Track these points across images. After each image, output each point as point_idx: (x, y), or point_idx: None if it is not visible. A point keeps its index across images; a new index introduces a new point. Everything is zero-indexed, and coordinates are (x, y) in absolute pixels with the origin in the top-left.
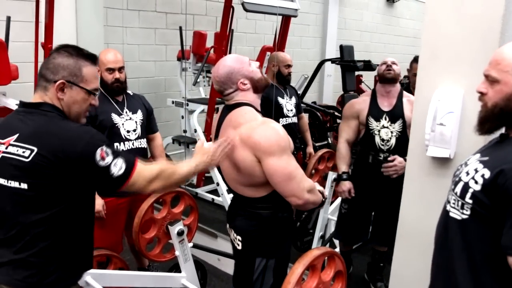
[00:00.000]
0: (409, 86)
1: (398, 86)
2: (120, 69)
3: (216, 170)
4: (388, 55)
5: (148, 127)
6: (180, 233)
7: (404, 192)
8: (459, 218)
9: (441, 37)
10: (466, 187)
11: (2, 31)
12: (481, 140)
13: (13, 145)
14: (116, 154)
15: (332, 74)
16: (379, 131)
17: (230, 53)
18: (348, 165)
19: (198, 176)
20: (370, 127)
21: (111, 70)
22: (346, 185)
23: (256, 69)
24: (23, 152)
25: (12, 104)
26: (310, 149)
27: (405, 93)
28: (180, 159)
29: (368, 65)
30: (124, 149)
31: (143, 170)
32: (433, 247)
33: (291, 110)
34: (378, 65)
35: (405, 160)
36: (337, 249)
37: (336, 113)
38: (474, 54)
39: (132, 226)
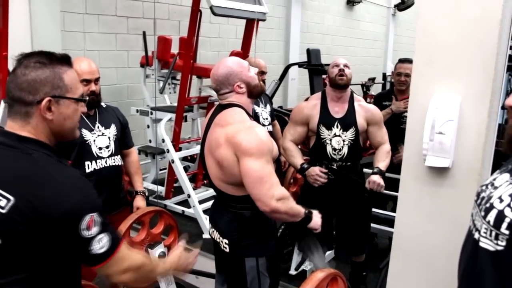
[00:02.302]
0: (392, 87)
1: (349, 90)
2: (96, 81)
3: (186, 180)
4: (349, 57)
5: (123, 142)
6: (161, 256)
7: (400, 203)
8: (492, 249)
9: (436, 43)
10: (501, 216)
11: None
12: (480, 149)
13: None
14: (105, 227)
15: (296, 77)
16: (330, 140)
17: (196, 58)
18: (302, 158)
19: (167, 187)
20: (322, 136)
21: (86, 82)
22: (314, 170)
23: (254, 75)
24: None
25: None
26: (283, 157)
27: (356, 96)
28: (147, 170)
29: None
30: (96, 168)
31: (124, 257)
32: (458, 275)
33: (267, 119)
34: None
35: (375, 173)
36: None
37: None
38: (471, 60)
39: None
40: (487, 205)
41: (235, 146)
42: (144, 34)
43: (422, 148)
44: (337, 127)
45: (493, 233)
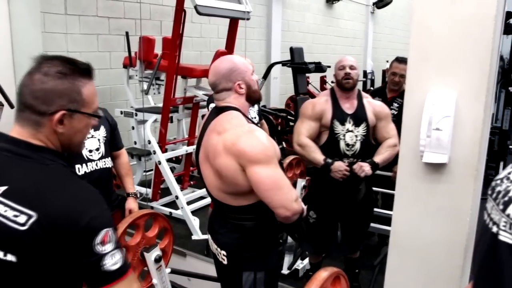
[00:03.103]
0: (385, 83)
1: (356, 88)
2: None
3: (173, 181)
4: (330, 56)
5: (112, 144)
6: (157, 260)
7: (397, 200)
8: None
9: (430, 39)
10: None
11: None
12: (476, 144)
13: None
14: (118, 245)
15: (279, 76)
16: (344, 135)
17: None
18: (322, 153)
19: (154, 189)
20: (335, 131)
21: None
22: (341, 165)
23: (255, 80)
24: (15, 216)
25: None
26: None
27: (363, 93)
28: (133, 172)
29: (319, 67)
30: (87, 171)
31: (134, 280)
32: (474, 272)
33: (255, 118)
34: (328, 66)
35: (369, 163)
36: (307, 260)
37: (289, 116)
38: (466, 56)
39: None
40: (506, 198)
41: (238, 154)
42: (127, 34)
43: (419, 145)
44: (350, 122)
45: None
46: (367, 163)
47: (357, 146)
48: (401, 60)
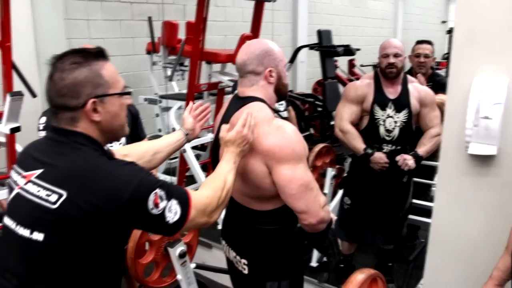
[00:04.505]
0: (410, 69)
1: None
2: None
3: (198, 169)
4: (358, 38)
5: (135, 134)
6: (181, 255)
7: (437, 195)
8: None
9: (479, 19)
10: None
11: None
12: None
13: (34, 183)
14: (170, 194)
15: (305, 60)
16: (384, 121)
17: (204, 43)
18: (363, 141)
19: (179, 177)
20: (376, 116)
21: None
22: (382, 157)
23: (287, 74)
24: (48, 195)
25: None
26: None
27: (409, 77)
28: None
29: (348, 50)
30: None
31: (200, 207)
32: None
33: (282, 104)
34: (357, 49)
35: (413, 155)
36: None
37: (316, 102)
38: None
39: None
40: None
41: (266, 154)
42: (150, 19)
43: (464, 135)
44: (391, 108)
45: None
46: (411, 156)
47: (396, 132)
48: (422, 41)
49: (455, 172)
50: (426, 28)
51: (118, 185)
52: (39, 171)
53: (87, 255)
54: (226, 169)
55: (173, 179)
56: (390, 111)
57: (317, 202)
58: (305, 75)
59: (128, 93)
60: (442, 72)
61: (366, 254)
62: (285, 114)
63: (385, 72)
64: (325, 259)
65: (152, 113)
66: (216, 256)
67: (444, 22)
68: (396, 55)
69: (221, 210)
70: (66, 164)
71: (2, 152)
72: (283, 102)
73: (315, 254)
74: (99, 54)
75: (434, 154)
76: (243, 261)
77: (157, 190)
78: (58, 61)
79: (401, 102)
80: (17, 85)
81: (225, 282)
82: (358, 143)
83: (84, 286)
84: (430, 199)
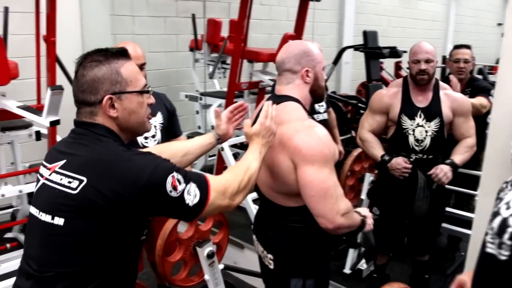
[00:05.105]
0: (447, 77)
1: (433, 79)
2: (142, 66)
3: (232, 160)
4: (407, 40)
5: (170, 131)
6: (210, 255)
7: (478, 207)
8: (497, 257)
9: None
10: (504, 224)
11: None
12: None
13: (57, 173)
14: (188, 178)
15: (350, 61)
16: (413, 130)
17: (246, 42)
18: (383, 149)
19: (216, 175)
20: (404, 126)
21: None
22: (399, 162)
23: (324, 77)
24: (69, 182)
25: (13, 106)
26: (339, 146)
27: (441, 84)
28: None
29: (393, 52)
30: None
31: (219, 189)
32: None
33: (322, 106)
34: (404, 51)
35: (448, 164)
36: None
37: (359, 104)
38: None
39: (152, 239)
40: (496, 209)
41: (293, 150)
42: (193, 16)
43: (510, 146)
44: (420, 116)
45: (497, 241)
46: (448, 166)
47: (427, 142)
48: (460, 46)
49: (499, 184)
50: (480, 30)
51: (136, 170)
52: (62, 162)
53: (105, 241)
54: (250, 157)
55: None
56: (419, 120)
57: (335, 209)
58: (350, 76)
59: (147, 92)
60: (494, 77)
61: (402, 264)
62: (325, 116)
63: (416, 79)
64: (359, 266)
65: (193, 110)
66: (248, 257)
67: (500, 24)
68: (427, 61)
69: (245, 194)
70: (86, 153)
71: (44, 143)
72: (323, 103)
73: (349, 260)
74: (120, 53)
75: (479, 163)
76: (269, 256)
77: (174, 174)
78: (83, 60)
79: (432, 111)
80: (61, 80)
81: (256, 283)
82: (376, 150)
83: (99, 273)
84: (473, 210)
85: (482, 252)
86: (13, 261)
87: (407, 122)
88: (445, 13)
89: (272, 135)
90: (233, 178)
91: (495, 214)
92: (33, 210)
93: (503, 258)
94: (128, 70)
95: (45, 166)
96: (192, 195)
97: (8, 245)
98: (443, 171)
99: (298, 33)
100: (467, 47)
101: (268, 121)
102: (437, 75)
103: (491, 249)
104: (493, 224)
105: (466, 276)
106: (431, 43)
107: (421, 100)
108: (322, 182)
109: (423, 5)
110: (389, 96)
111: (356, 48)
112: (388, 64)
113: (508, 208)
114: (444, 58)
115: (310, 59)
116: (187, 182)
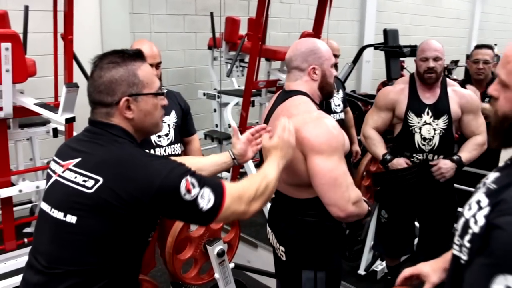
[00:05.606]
0: (468, 75)
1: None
2: (158, 65)
3: (252, 166)
4: (430, 38)
5: (184, 129)
6: (220, 254)
7: None
8: (460, 259)
9: None
10: (466, 226)
11: (21, 22)
12: None
13: (71, 171)
14: (202, 182)
15: (371, 60)
16: (420, 128)
17: (265, 40)
18: (385, 147)
19: (233, 173)
20: (410, 124)
21: None
22: (400, 162)
23: (333, 73)
24: (84, 181)
25: (30, 103)
26: (356, 147)
27: (449, 81)
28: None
29: (414, 51)
30: None
31: (235, 194)
32: None
33: (339, 105)
34: None
35: (452, 161)
36: (384, 263)
37: None
38: None
39: (165, 235)
40: (462, 209)
41: (302, 141)
42: (211, 15)
43: None
44: (428, 114)
45: (459, 243)
46: (452, 162)
47: (435, 140)
48: (481, 46)
49: None
50: (506, 29)
51: (151, 173)
52: (76, 160)
53: (116, 241)
54: (267, 168)
55: (227, 175)
56: (427, 117)
57: (345, 197)
58: (371, 75)
59: (162, 94)
60: None
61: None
62: (341, 115)
63: (424, 77)
64: (373, 268)
65: (211, 108)
66: (261, 256)
67: None
68: (436, 59)
69: (263, 201)
70: (103, 153)
71: (62, 140)
72: (340, 103)
73: (364, 262)
74: (137, 55)
75: (496, 162)
76: (282, 248)
77: (188, 177)
78: (99, 60)
79: (440, 107)
80: (78, 78)
81: (269, 283)
82: (378, 149)
83: (107, 272)
84: None
85: (452, 254)
86: None
87: (414, 119)
88: (470, 10)
89: (290, 148)
90: (250, 184)
91: (460, 215)
92: (45, 206)
93: (462, 262)
94: (144, 72)
95: (57, 163)
96: (206, 199)
97: (26, 240)
98: (447, 168)
99: (316, 31)
100: (489, 47)
101: (286, 134)
102: (461, 75)
103: (456, 251)
104: (458, 225)
105: (427, 266)
106: (455, 42)
107: (429, 97)
108: (331, 171)
109: (448, 2)
110: (395, 92)
111: (376, 46)
112: (410, 63)
113: (469, 209)
114: (468, 57)
115: (317, 56)
116: (201, 186)
